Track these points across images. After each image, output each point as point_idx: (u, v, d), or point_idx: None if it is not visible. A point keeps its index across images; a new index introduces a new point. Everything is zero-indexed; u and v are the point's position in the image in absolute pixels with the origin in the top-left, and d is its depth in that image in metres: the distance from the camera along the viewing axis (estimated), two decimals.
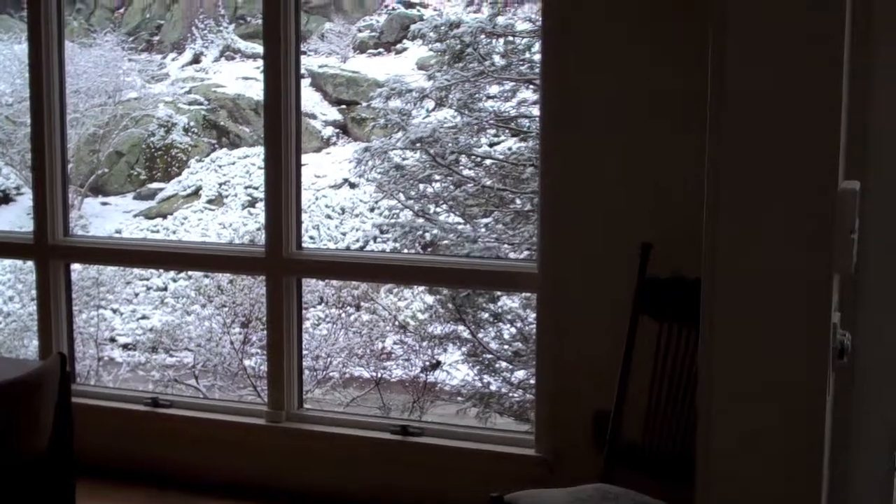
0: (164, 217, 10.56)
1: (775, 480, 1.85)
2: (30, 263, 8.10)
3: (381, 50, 11.47)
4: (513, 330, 7.65)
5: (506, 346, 7.67)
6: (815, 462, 1.83)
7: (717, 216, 1.83)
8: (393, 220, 8.73)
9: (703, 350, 1.88)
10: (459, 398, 7.89)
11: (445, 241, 7.88)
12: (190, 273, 9.40)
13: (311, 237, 9.51)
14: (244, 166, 10.66)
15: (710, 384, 1.86)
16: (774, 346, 1.82)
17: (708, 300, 1.85)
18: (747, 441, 1.85)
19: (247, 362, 8.49)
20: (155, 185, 11.05)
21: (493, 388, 7.63)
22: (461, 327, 7.82)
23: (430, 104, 8.15)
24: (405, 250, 8.19)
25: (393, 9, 11.50)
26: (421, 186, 8.22)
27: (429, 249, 8.05)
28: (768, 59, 1.78)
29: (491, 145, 8.16)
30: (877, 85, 2.40)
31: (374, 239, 9.49)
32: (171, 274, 9.70)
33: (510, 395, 7.53)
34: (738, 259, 1.83)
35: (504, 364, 7.64)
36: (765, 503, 1.87)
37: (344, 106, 11.22)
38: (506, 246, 7.58)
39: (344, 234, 9.71)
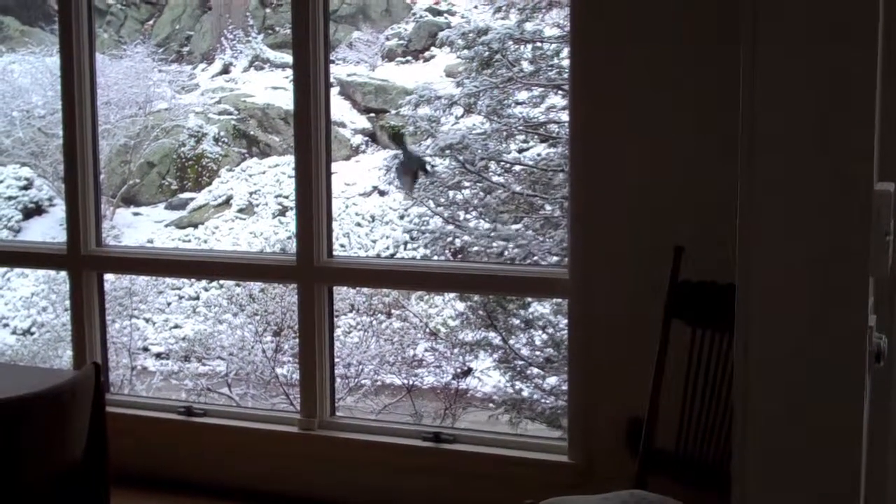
0: (196, 227, 10.61)
1: (813, 486, 1.83)
2: (63, 274, 8.17)
3: (409, 58, 11.49)
4: (544, 336, 7.63)
5: (537, 353, 7.65)
6: (852, 467, 1.81)
7: (750, 220, 1.81)
8: (423, 228, 8.74)
9: (737, 355, 1.87)
10: (491, 405, 7.88)
11: (476, 248, 7.87)
12: (222, 282, 9.44)
13: (342, 245, 9.53)
14: (274, 175, 10.70)
15: (745, 389, 1.84)
16: (810, 350, 1.80)
17: (742, 304, 1.83)
18: (783, 447, 1.84)
19: (279, 370, 8.51)
20: (186, 195, 11.11)
21: (524, 394, 7.61)
22: (492, 334, 7.81)
23: (458, 111, 8.15)
24: (435, 257, 8.20)
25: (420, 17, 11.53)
26: (450, 193, 8.22)
27: (459, 256, 8.05)
28: (801, 56, 1.77)
29: (520, 151, 8.15)
30: None
31: (404, 246, 9.50)
32: (203, 283, 9.75)
33: (542, 401, 7.51)
34: (773, 263, 1.81)
35: (536, 370, 7.61)
36: None
37: (373, 114, 11.25)
38: (533, 252, 7.56)
39: (374, 241, 9.73)
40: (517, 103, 7.99)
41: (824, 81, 1.76)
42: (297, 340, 4.93)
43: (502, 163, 8.02)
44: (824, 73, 1.76)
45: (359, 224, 9.85)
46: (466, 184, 8.10)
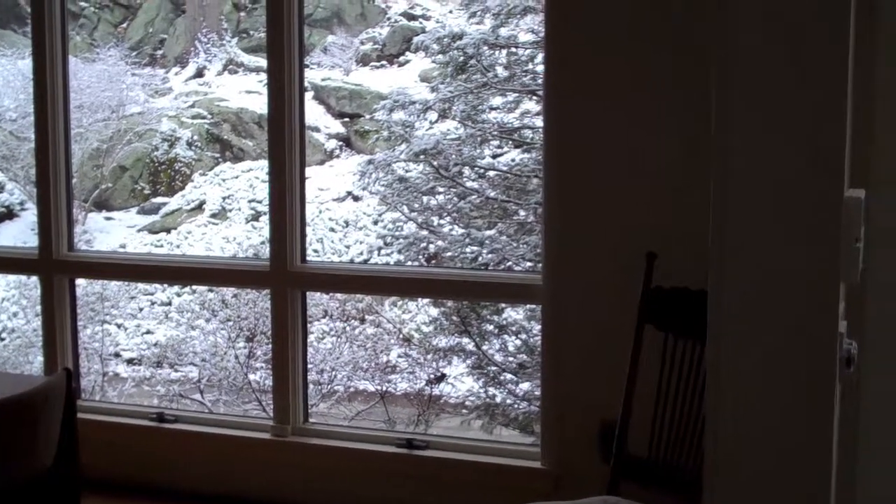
0: (168, 231, 10.56)
1: (783, 492, 1.84)
2: (34, 279, 8.13)
3: (383, 62, 11.48)
4: (517, 342, 7.64)
5: (510, 358, 7.66)
6: (823, 473, 1.82)
7: (722, 227, 1.82)
8: (396, 233, 8.73)
9: (710, 361, 1.87)
10: (464, 410, 7.88)
11: (449, 253, 7.87)
12: (194, 287, 9.40)
13: (315, 250, 9.51)
14: (248, 180, 10.67)
15: (717, 395, 1.85)
16: (781, 356, 1.81)
17: (714, 310, 1.84)
18: (754, 452, 1.85)
19: (252, 376, 8.48)
20: (159, 200, 11.06)
21: (498, 400, 7.61)
22: (466, 339, 7.81)
23: (433, 116, 8.16)
24: (409, 263, 8.19)
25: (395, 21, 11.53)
26: (424, 199, 8.22)
27: (432, 262, 8.04)
28: (773, 66, 1.78)
29: (494, 157, 8.16)
30: (880, 94, 2.39)
31: (378, 251, 9.49)
32: (176, 288, 9.69)
33: (515, 406, 7.52)
34: (744, 269, 1.82)
35: (509, 376, 7.62)
36: None
37: (347, 119, 11.23)
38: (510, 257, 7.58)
39: (348, 246, 9.71)
40: (491, 108, 8.00)
41: (795, 92, 1.77)
42: (269, 346, 4.92)
43: (476, 168, 8.02)
44: (796, 85, 1.77)
45: (332, 229, 9.83)
46: (440, 189, 8.11)
